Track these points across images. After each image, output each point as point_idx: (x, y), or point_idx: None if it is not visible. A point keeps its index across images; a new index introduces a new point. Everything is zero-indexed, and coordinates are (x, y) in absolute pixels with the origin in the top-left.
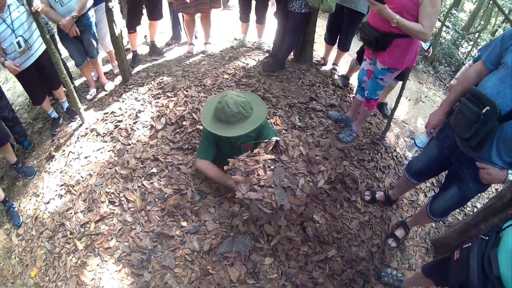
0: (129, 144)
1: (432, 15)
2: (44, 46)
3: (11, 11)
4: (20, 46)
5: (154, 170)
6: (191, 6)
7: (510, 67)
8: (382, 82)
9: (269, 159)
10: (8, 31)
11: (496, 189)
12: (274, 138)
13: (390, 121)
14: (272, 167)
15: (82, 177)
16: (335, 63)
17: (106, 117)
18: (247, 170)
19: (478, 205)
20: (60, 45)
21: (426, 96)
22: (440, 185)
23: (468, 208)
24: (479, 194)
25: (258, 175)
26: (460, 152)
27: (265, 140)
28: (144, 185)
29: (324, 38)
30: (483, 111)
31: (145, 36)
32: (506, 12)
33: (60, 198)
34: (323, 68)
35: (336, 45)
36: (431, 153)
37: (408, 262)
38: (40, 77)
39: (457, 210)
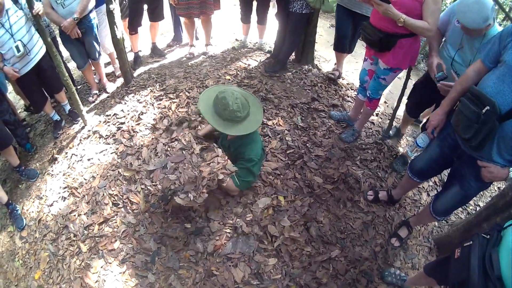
0: (132, 146)
1: (436, 11)
2: (43, 51)
3: (10, 15)
4: (19, 51)
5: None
6: (182, 8)
7: (509, 65)
8: (385, 82)
9: (194, 149)
10: (6, 35)
11: (498, 188)
12: (214, 146)
13: (393, 120)
14: (184, 152)
15: (85, 179)
16: (336, 69)
17: (109, 119)
18: (179, 136)
19: (481, 204)
20: (61, 47)
21: None
22: (443, 184)
23: (470, 207)
24: (481, 193)
25: (176, 145)
26: (461, 151)
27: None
28: (147, 187)
29: (334, 48)
30: (483, 111)
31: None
32: (507, 10)
33: (64, 201)
34: (326, 69)
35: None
36: (433, 152)
37: (411, 262)
38: (40, 82)
39: (460, 209)
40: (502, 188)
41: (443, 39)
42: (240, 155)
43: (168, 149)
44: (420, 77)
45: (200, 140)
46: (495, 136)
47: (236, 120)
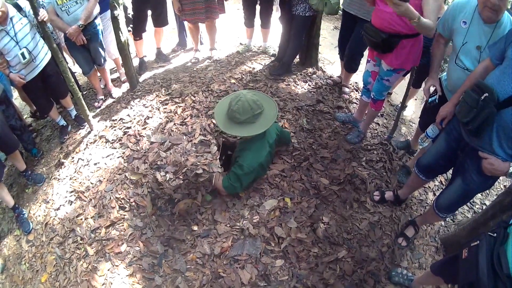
0: (138, 150)
1: (436, 9)
2: (48, 57)
3: (14, 23)
4: (24, 58)
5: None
6: (188, 14)
7: (510, 58)
8: (388, 83)
9: (194, 139)
10: (12, 43)
11: (504, 186)
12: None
13: (397, 121)
14: (185, 138)
15: (92, 183)
16: (344, 85)
17: (115, 124)
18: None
19: (487, 203)
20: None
21: None
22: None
23: (477, 206)
24: (487, 192)
25: (181, 129)
26: (464, 143)
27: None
28: (154, 191)
29: (341, 58)
30: (482, 97)
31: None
32: (509, 7)
33: (70, 205)
34: (330, 72)
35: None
36: (440, 146)
37: (418, 261)
38: (46, 88)
39: (466, 208)
40: (508, 186)
41: (451, 50)
42: (237, 158)
43: (174, 129)
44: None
45: (205, 133)
46: (494, 124)
47: (235, 121)
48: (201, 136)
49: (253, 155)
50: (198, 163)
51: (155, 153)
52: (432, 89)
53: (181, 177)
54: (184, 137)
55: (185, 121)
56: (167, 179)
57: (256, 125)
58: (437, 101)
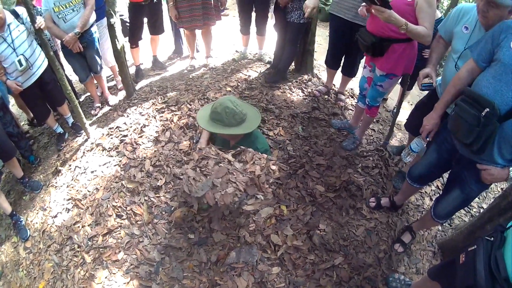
0: (135, 158)
1: (431, 15)
2: (45, 64)
3: (11, 30)
4: (21, 65)
5: (161, 183)
6: (186, 21)
7: (505, 63)
8: (382, 89)
9: (227, 158)
10: (9, 50)
11: (501, 189)
12: (244, 148)
13: (393, 127)
14: (221, 165)
15: (89, 191)
16: (340, 92)
17: (112, 132)
18: (205, 154)
19: (484, 206)
20: (63, 61)
21: None
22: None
23: (474, 210)
24: (484, 195)
25: (207, 163)
26: (459, 155)
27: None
28: (150, 199)
29: (326, 62)
30: (483, 113)
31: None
32: None
33: (68, 212)
34: (325, 78)
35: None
36: (431, 157)
37: (415, 267)
38: (43, 95)
39: (464, 212)
40: (504, 189)
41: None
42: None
43: (203, 169)
44: (422, 97)
45: (222, 150)
46: (495, 137)
47: (245, 118)
48: (228, 152)
49: (261, 136)
50: (263, 164)
51: (221, 197)
52: (427, 78)
53: (267, 186)
54: (219, 165)
55: (197, 159)
56: (263, 199)
57: (253, 113)
58: (433, 86)
